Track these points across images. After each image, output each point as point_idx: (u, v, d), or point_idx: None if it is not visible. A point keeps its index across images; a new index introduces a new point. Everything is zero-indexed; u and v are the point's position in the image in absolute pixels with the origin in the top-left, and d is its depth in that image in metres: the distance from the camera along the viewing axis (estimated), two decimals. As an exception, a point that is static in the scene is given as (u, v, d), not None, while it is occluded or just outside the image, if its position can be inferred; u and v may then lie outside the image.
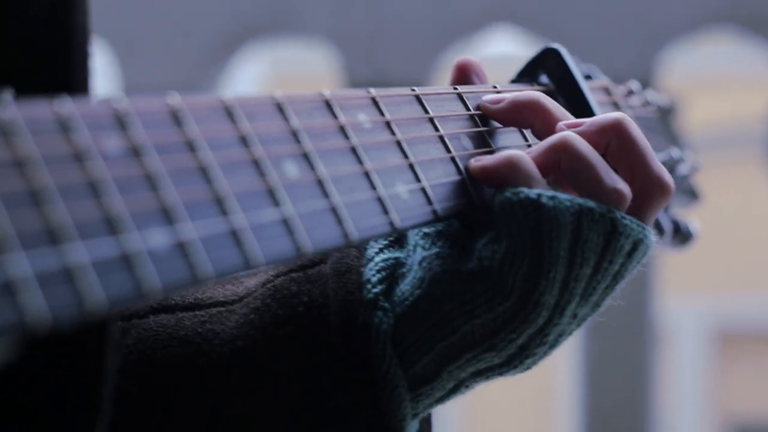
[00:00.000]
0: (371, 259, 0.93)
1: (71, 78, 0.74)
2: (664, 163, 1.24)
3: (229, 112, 0.72)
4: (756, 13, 6.34)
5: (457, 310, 0.89)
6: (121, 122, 0.65)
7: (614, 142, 0.92)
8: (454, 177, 0.88)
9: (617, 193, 0.90)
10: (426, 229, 0.92)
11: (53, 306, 0.56)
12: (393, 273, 0.93)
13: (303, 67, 7.29)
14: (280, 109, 0.76)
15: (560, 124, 0.93)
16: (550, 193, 0.88)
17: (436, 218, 0.85)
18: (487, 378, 0.94)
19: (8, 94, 0.63)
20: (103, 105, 0.65)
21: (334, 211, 0.75)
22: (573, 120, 0.94)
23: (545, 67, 1.08)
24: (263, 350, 0.91)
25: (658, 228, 1.29)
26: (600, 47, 6.11)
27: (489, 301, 0.88)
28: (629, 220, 0.90)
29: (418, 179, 0.84)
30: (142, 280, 0.61)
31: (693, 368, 10.53)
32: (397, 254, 0.94)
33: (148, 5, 6.36)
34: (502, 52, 6.43)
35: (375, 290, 0.92)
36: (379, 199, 0.79)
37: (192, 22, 6.30)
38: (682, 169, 1.29)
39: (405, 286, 0.91)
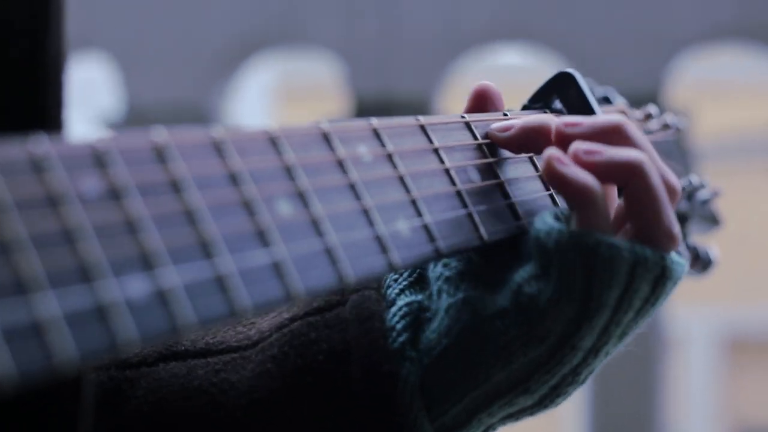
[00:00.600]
0: (392, 302, 0.89)
1: (44, 110, 0.71)
2: (683, 189, 1.20)
3: (218, 148, 0.68)
4: (764, 24, 6.30)
5: (491, 358, 0.84)
6: (100, 161, 0.61)
7: (634, 183, 0.87)
8: (460, 211, 0.84)
9: (673, 237, 0.86)
10: (447, 273, 0.88)
11: (20, 362, 0.52)
12: (416, 318, 0.88)
13: (310, 80, 7.26)
14: (273, 143, 0.72)
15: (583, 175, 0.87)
16: (609, 240, 0.83)
17: (439, 255, 0.80)
18: (517, 419, 0.90)
19: None
20: (81, 143, 0.61)
21: (329, 252, 0.71)
22: (590, 146, 0.89)
23: (559, 92, 1.04)
24: (282, 402, 0.86)
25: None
26: (609, 59, 6.07)
27: (525, 345, 0.84)
28: (676, 262, 0.86)
29: (420, 215, 0.80)
30: (117, 332, 0.56)
31: (704, 375, 10.49)
32: (419, 297, 0.89)
33: (153, 19, 6.33)
34: (511, 65, 6.39)
35: (401, 339, 0.87)
36: (378, 238, 0.75)
37: (197, 36, 6.27)
38: (702, 194, 1.25)
39: (431, 335, 0.86)
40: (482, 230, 0.85)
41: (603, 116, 0.91)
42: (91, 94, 6.68)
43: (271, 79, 6.97)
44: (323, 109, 6.47)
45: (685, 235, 1.28)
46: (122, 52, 6.27)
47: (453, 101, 6.25)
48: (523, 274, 0.85)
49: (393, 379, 0.85)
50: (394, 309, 0.88)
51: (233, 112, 6.50)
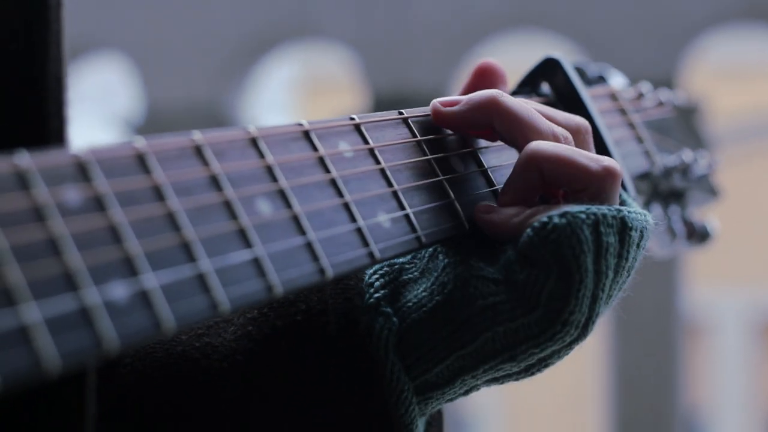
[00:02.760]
0: None
1: (45, 128, 0.73)
2: (675, 167, 1.21)
3: (198, 153, 0.71)
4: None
5: (478, 316, 0.86)
6: (82, 172, 0.63)
7: (496, 118, 0.90)
8: (442, 200, 0.86)
9: (609, 173, 0.88)
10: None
11: (5, 368, 0.55)
12: (396, 278, 0.90)
13: (326, 74, 7.28)
14: (254, 144, 0.75)
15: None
16: (559, 210, 0.85)
17: (421, 245, 0.83)
18: (501, 383, 0.92)
19: None
20: (63, 155, 0.63)
21: (309, 247, 0.73)
22: (449, 99, 0.92)
23: (546, 77, 1.06)
24: (263, 362, 0.89)
25: (670, 230, 1.27)
26: (625, 44, 6.06)
27: (512, 310, 0.86)
28: (634, 212, 0.88)
29: (402, 207, 0.82)
30: (100, 335, 0.59)
31: (735, 360, 10.45)
32: (400, 259, 0.91)
33: (168, 20, 6.37)
34: (524, 54, 6.39)
35: (377, 295, 0.89)
36: (359, 230, 0.78)
37: (213, 35, 6.30)
38: (698, 169, 1.27)
39: (422, 293, 0.89)
40: (464, 218, 0.87)
41: (476, 94, 0.91)
42: (109, 96, 6.71)
43: (287, 75, 7.00)
44: (340, 102, 6.49)
45: (682, 209, 1.30)
46: (139, 54, 6.30)
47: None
48: (506, 255, 0.87)
49: (368, 335, 0.87)
50: (376, 266, 0.90)
51: (250, 110, 6.52)
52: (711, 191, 1.35)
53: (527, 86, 1.07)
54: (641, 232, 0.88)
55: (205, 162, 0.71)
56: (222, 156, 0.72)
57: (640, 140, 1.16)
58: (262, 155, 0.75)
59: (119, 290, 0.61)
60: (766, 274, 10.48)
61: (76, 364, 0.58)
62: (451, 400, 0.93)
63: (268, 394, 0.89)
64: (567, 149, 0.88)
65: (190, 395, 0.89)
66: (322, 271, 0.73)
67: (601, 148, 1.03)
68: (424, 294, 0.89)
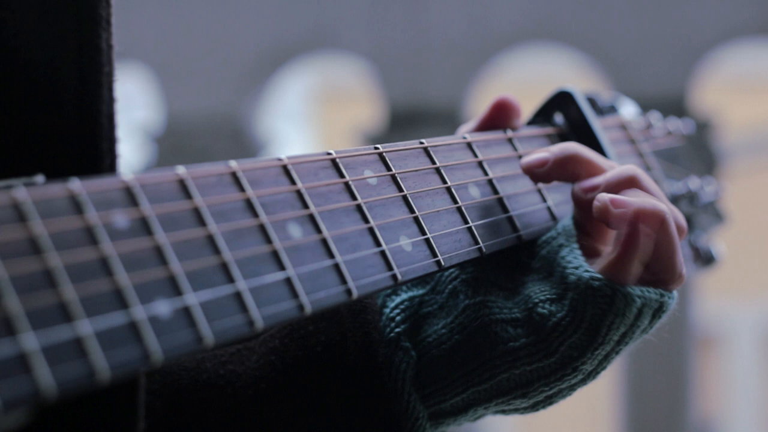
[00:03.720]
0: (394, 292, 0.97)
1: (99, 163, 0.78)
2: (682, 195, 1.26)
3: (235, 179, 0.76)
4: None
5: (497, 359, 0.92)
6: (129, 197, 0.69)
7: (659, 235, 0.94)
8: (460, 226, 0.91)
9: (681, 278, 0.95)
10: (464, 275, 0.95)
11: (61, 378, 0.60)
12: (417, 311, 0.96)
13: (343, 87, 7.33)
14: (286, 172, 0.80)
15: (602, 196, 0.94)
16: (626, 290, 0.91)
17: (440, 268, 0.87)
18: (507, 414, 0.98)
19: (41, 177, 0.68)
20: (111, 181, 0.69)
21: (336, 268, 0.78)
22: (621, 198, 0.95)
23: (559, 109, 1.10)
24: (285, 390, 0.94)
25: None
26: (638, 60, 6.10)
27: (531, 355, 0.92)
28: (672, 298, 0.95)
29: (422, 231, 0.87)
30: (147, 348, 0.64)
31: (747, 371, 10.46)
32: (421, 292, 0.97)
33: (189, 29, 6.43)
34: (539, 68, 6.44)
35: (397, 329, 0.95)
36: (383, 254, 0.83)
37: (232, 47, 6.36)
38: (705, 196, 1.31)
39: (441, 330, 0.95)
40: (481, 243, 0.92)
41: (616, 170, 0.97)
42: (128, 107, 6.79)
43: (304, 86, 7.06)
44: (356, 114, 6.55)
45: (689, 233, 1.35)
46: (159, 65, 6.37)
47: (483, 103, 6.29)
48: (540, 294, 0.93)
49: (386, 368, 0.93)
50: (396, 300, 0.96)
51: (269, 121, 6.58)
52: (717, 216, 1.40)
53: (541, 117, 1.12)
54: (668, 311, 0.96)
55: (241, 188, 0.76)
56: (256, 183, 0.77)
57: (648, 168, 1.20)
58: (293, 182, 0.80)
59: (163, 307, 0.66)
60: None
61: (125, 375, 0.63)
62: (460, 424, 0.99)
63: (290, 420, 0.94)
64: (676, 240, 0.94)
65: (216, 420, 0.94)
66: (348, 291, 0.78)
67: None
68: (443, 331, 0.95)
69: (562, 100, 1.11)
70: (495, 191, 0.97)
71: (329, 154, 0.85)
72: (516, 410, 0.97)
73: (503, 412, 0.97)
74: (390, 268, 0.83)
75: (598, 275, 0.91)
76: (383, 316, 0.96)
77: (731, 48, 6.28)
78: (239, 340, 0.97)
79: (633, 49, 6.16)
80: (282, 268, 0.74)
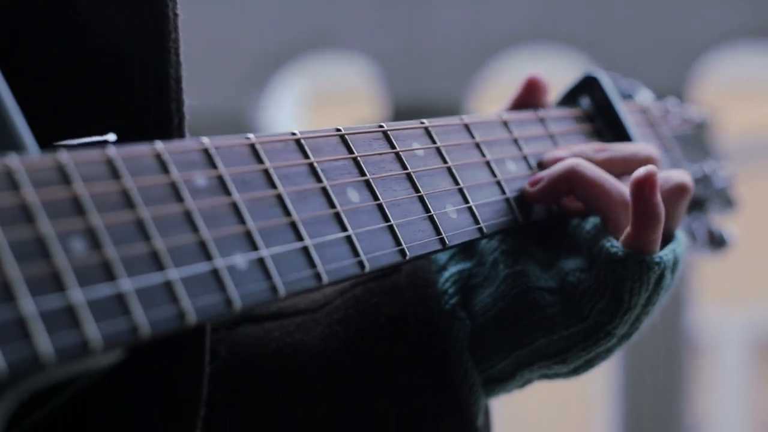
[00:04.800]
0: (443, 267, 1.02)
1: (168, 123, 0.84)
2: (698, 178, 1.32)
3: (299, 147, 0.81)
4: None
5: (536, 324, 0.98)
6: (208, 159, 0.74)
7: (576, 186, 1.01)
8: (499, 198, 0.96)
9: (685, 189, 1.02)
10: (503, 246, 1.01)
11: (153, 318, 0.65)
12: (466, 284, 1.02)
13: (345, 85, 7.39)
14: (343, 141, 0.85)
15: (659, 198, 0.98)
16: (642, 258, 0.97)
17: (482, 235, 0.93)
18: (551, 379, 1.04)
19: (112, 136, 0.73)
20: (191, 144, 0.74)
21: (391, 230, 0.84)
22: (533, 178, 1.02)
23: (586, 92, 1.16)
24: (349, 359, 0.99)
25: (692, 236, 1.37)
26: (637, 61, 6.17)
27: (566, 320, 0.98)
28: (682, 251, 1.01)
29: (466, 201, 0.92)
30: (228, 296, 0.70)
31: (735, 377, 10.51)
32: (468, 264, 1.02)
33: (192, 29, 6.48)
34: (540, 67, 6.50)
35: (452, 301, 1.01)
36: (431, 219, 0.88)
37: (234, 46, 6.42)
38: (718, 180, 1.36)
39: (486, 298, 1.00)
40: (518, 214, 0.97)
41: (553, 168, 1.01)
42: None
43: (307, 84, 7.12)
44: (359, 113, 6.60)
45: (702, 218, 1.40)
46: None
47: (484, 103, 6.38)
48: (571, 264, 0.99)
49: (446, 337, 0.99)
50: (446, 274, 1.01)
51: (271, 119, 6.63)
52: (729, 201, 1.45)
53: (568, 99, 1.17)
54: (683, 261, 1.02)
55: (305, 154, 0.81)
56: (317, 150, 0.83)
57: (668, 150, 1.26)
58: (350, 150, 0.85)
59: (240, 259, 0.72)
60: (762, 294, 10.54)
61: (209, 320, 0.68)
62: (508, 392, 1.05)
63: (354, 388, 0.99)
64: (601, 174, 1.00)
65: (283, 387, 0.99)
66: (402, 252, 0.84)
67: None
68: (488, 300, 1.00)
69: (589, 84, 1.17)
70: (529, 166, 1.02)
71: (381, 126, 0.90)
72: (558, 375, 1.02)
73: (547, 376, 1.03)
74: (438, 232, 0.88)
75: (618, 245, 0.97)
76: (437, 289, 1.01)
77: (728, 51, 6.35)
78: (304, 310, 1.02)
79: (631, 51, 6.22)
80: (344, 228, 0.80)
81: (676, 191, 1.02)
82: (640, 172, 0.95)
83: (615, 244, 0.97)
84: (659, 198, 0.96)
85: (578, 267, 0.99)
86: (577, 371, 1.03)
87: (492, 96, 6.36)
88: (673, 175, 1.02)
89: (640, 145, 1.05)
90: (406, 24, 6.32)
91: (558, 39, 6.30)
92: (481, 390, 1.01)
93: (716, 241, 1.42)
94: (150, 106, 0.84)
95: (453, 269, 1.02)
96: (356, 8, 6.35)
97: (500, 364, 1.00)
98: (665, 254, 0.98)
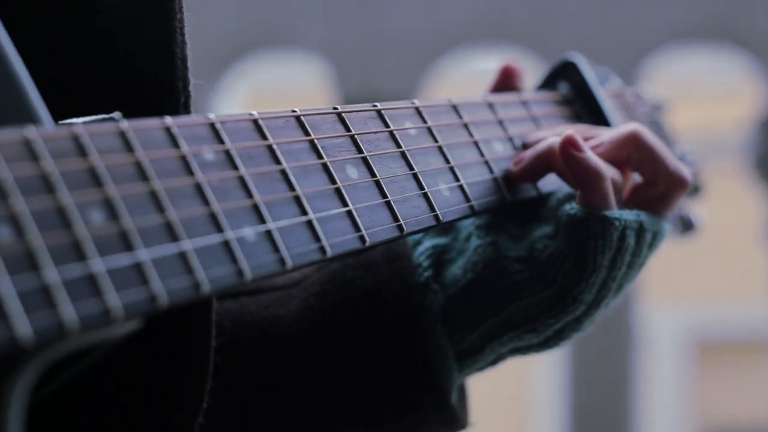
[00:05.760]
0: (418, 242, 1.04)
1: (175, 100, 0.85)
2: None
3: (299, 123, 0.82)
4: (734, 25, 6.47)
5: (504, 291, 0.99)
6: (215, 134, 0.75)
7: (634, 153, 1.03)
8: (487, 177, 0.98)
9: (682, 182, 1.03)
10: (477, 221, 1.02)
11: (170, 288, 0.66)
12: (440, 258, 1.03)
13: (296, 82, 7.39)
14: (340, 119, 0.87)
15: (588, 154, 1.00)
16: (601, 214, 0.98)
17: (473, 212, 0.95)
18: (524, 354, 1.05)
19: (118, 114, 0.74)
20: (198, 119, 0.75)
21: (389, 206, 0.85)
22: (594, 142, 1.04)
23: (564, 77, 1.18)
24: (324, 331, 1.01)
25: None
26: (587, 58, 6.22)
27: (533, 285, 0.99)
28: (651, 217, 1.02)
29: (457, 179, 0.94)
30: (240, 267, 0.71)
31: (673, 377, 10.62)
32: (443, 240, 1.04)
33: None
34: (490, 64, 6.56)
35: (426, 274, 1.02)
36: (426, 196, 0.90)
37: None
38: (689, 164, 1.39)
39: (456, 270, 1.02)
40: (506, 193, 0.99)
41: (619, 131, 1.05)
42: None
43: (258, 81, 7.12)
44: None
45: None
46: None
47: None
48: (539, 232, 1.01)
49: (420, 310, 1.00)
50: (420, 249, 1.03)
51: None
52: (697, 186, 1.48)
53: (546, 84, 1.20)
54: (654, 234, 1.02)
55: (305, 131, 0.83)
56: (316, 128, 0.84)
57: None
58: (347, 128, 0.87)
59: (249, 231, 0.73)
60: (701, 293, 10.65)
61: (221, 290, 0.69)
62: (481, 369, 1.05)
63: (328, 358, 1.00)
64: (664, 147, 1.03)
65: (258, 358, 1.00)
66: (400, 227, 0.85)
67: None
68: (458, 271, 1.02)
69: (567, 69, 1.19)
70: (514, 147, 1.04)
71: (375, 105, 0.91)
72: (530, 348, 1.03)
73: (519, 350, 1.04)
74: (433, 209, 0.90)
75: (578, 206, 0.98)
76: (412, 263, 1.03)
77: (676, 51, 6.42)
78: (281, 287, 1.03)
79: (581, 49, 6.28)
80: (344, 203, 0.81)
81: (678, 184, 1.03)
82: (564, 134, 0.98)
83: (575, 206, 0.99)
84: (588, 154, 0.98)
85: (545, 234, 1.00)
86: (548, 343, 1.03)
87: (444, 93, 6.39)
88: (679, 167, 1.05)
89: (625, 127, 1.07)
90: (357, 21, 6.34)
91: (509, 36, 6.34)
92: (455, 364, 1.02)
93: (685, 225, 1.45)
94: (157, 85, 0.85)
95: (427, 244, 1.04)
96: (308, 5, 6.36)
97: (471, 335, 1.01)
98: (625, 214, 0.99)
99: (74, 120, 0.76)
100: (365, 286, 1.01)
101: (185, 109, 0.86)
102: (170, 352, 0.84)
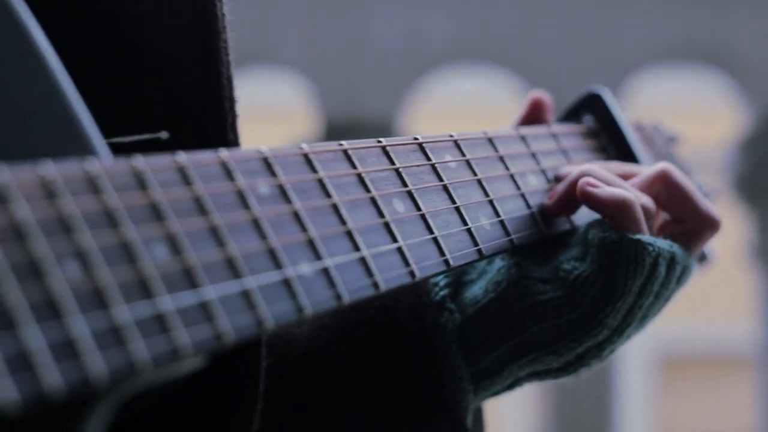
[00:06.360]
0: None
1: (222, 121, 0.84)
2: None
3: (347, 157, 0.82)
4: (714, 46, 6.51)
5: (527, 311, 0.98)
6: (268, 167, 0.74)
7: (663, 191, 1.03)
8: (525, 211, 0.98)
9: (714, 223, 1.03)
10: None
11: (236, 325, 0.65)
12: (458, 279, 1.02)
13: (277, 100, 7.38)
14: (385, 152, 0.86)
15: (615, 190, 1.00)
16: (635, 238, 0.97)
17: (512, 246, 0.94)
18: (542, 378, 1.03)
19: (164, 134, 0.73)
20: (251, 153, 0.74)
21: (435, 241, 0.85)
22: (622, 182, 1.03)
23: (589, 109, 1.18)
24: (338, 350, 0.99)
25: None
26: (566, 80, 6.25)
27: (558, 307, 0.98)
28: (683, 250, 1.01)
29: (497, 213, 0.94)
30: (300, 303, 0.70)
31: (637, 392, 10.66)
32: None
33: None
34: (472, 86, 6.58)
35: (442, 293, 1.01)
36: (469, 231, 0.89)
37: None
38: (704, 194, 1.39)
39: (477, 290, 1.01)
40: (542, 226, 0.99)
41: (648, 170, 1.05)
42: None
43: (239, 99, 7.10)
44: (291, 128, 6.60)
45: None
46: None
47: (417, 119, 6.41)
48: (566, 255, 1.00)
49: (434, 328, 0.99)
50: None
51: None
52: None
53: (570, 117, 1.19)
54: (684, 268, 1.02)
55: (352, 164, 0.82)
56: (363, 161, 0.83)
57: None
58: (392, 161, 0.86)
59: (306, 268, 0.72)
60: (668, 308, 10.71)
61: (283, 326, 0.68)
62: (497, 393, 1.04)
63: (342, 376, 0.99)
64: (693, 186, 1.03)
65: (273, 378, 0.99)
66: (447, 262, 0.84)
67: None
68: (479, 291, 1.01)
69: (592, 102, 1.19)
70: (547, 180, 1.04)
71: (416, 138, 0.91)
72: (549, 372, 1.02)
73: (537, 375, 1.02)
74: (476, 243, 0.89)
75: (611, 230, 0.98)
76: (428, 282, 1.02)
77: (656, 71, 6.46)
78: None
79: (561, 70, 6.30)
80: (393, 237, 0.80)
81: (708, 224, 1.04)
82: (578, 172, 0.99)
83: (608, 229, 0.98)
84: (605, 188, 0.98)
85: (573, 256, 0.99)
86: (568, 368, 1.01)
87: (424, 112, 6.40)
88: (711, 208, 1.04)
89: (655, 166, 1.06)
90: (339, 40, 6.34)
91: (490, 56, 6.36)
92: (470, 385, 1.00)
93: (700, 257, 1.45)
94: (204, 108, 0.84)
95: None
96: (290, 23, 6.35)
97: (489, 356, 1.00)
98: (659, 241, 0.99)
99: (121, 139, 0.75)
100: (380, 304, 1.00)
101: (233, 130, 0.85)
102: (221, 376, 0.83)
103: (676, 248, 1.00)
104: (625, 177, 1.05)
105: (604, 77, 6.31)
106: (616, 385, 7.36)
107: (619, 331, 1.00)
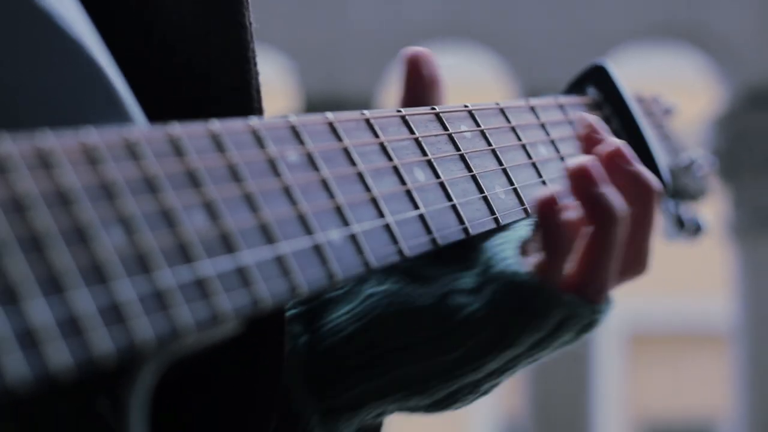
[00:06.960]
0: None
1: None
2: (684, 167, 1.36)
3: (369, 125, 0.83)
4: (693, 24, 6.54)
5: (393, 354, 0.86)
6: (296, 135, 0.75)
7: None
8: (536, 180, 0.99)
9: (645, 269, 0.95)
10: None
11: (272, 291, 0.66)
12: (317, 295, 0.90)
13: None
14: (404, 122, 0.87)
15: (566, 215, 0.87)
16: (550, 292, 0.85)
17: (527, 215, 0.95)
18: (411, 412, 0.91)
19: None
20: (280, 121, 0.75)
21: (455, 209, 0.86)
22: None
23: (593, 81, 1.19)
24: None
25: (680, 223, 1.41)
26: (545, 57, 6.26)
27: (433, 349, 0.86)
28: (604, 312, 0.91)
29: (511, 182, 0.95)
30: (330, 269, 0.71)
31: (606, 369, 10.74)
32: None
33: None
34: (452, 63, 6.58)
35: (293, 311, 0.90)
36: (485, 199, 0.90)
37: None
38: (699, 168, 1.41)
39: (342, 317, 0.88)
40: (554, 196, 1.00)
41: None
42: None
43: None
44: (272, 106, 6.59)
45: (678, 205, 1.45)
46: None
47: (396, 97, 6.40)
48: (459, 282, 0.87)
49: (278, 350, 0.85)
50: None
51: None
52: (704, 188, 1.50)
53: (574, 89, 1.21)
54: (591, 323, 0.89)
55: (375, 133, 0.83)
56: (384, 130, 0.84)
57: (667, 138, 1.30)
58: (412, 131, 0.87)
59: (335, 234, 0.73)
60: (633, 285, 10.79)
61: (316, 292, 0.69)
62: (361, 423, 0.91)
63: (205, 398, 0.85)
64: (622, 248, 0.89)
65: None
66: (466, 230, 0.86)
67: (643, 148, 1.17)
68: (342, 319, 0.88)
69: (596, 74, 1.20)
70: (557, 150, 1.05)
71: (433, 108, 0.92)
72: (418, 408, 0.90)
73: (404, 409, 0.90)
74: (492, 212, 0.90)
75: (525, 271, 0.85)
76: None
77: (636, 49, 6.48)
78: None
79: (541, 47, 6.32)
80: (416, 205, 0.82)
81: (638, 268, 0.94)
82: (544, 192, 0.86)
83: (521, 269, 0.85)
84: (568, 214, 0.86)
85: (466, 287, 0.86)
86: (438, 405, 0.89)
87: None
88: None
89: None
90: (320, 19, 6.33)
91: (470, 34, 6.36)
92: (316, 422, 0.88)
93: (688, 229, 1.46)
94: (234, 116, 0.85)
95: None
96: (270, 3, 6.34)
97: (348, 393, 0.87)
98: (580, 304, 0.86)
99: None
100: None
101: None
102: (244, 355, 0.84)
103: (598, 315, 0.88)
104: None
105: (583, 54, 6.33)
106: (592, 361, 7.41)
107: (498, 373, 0.88)
